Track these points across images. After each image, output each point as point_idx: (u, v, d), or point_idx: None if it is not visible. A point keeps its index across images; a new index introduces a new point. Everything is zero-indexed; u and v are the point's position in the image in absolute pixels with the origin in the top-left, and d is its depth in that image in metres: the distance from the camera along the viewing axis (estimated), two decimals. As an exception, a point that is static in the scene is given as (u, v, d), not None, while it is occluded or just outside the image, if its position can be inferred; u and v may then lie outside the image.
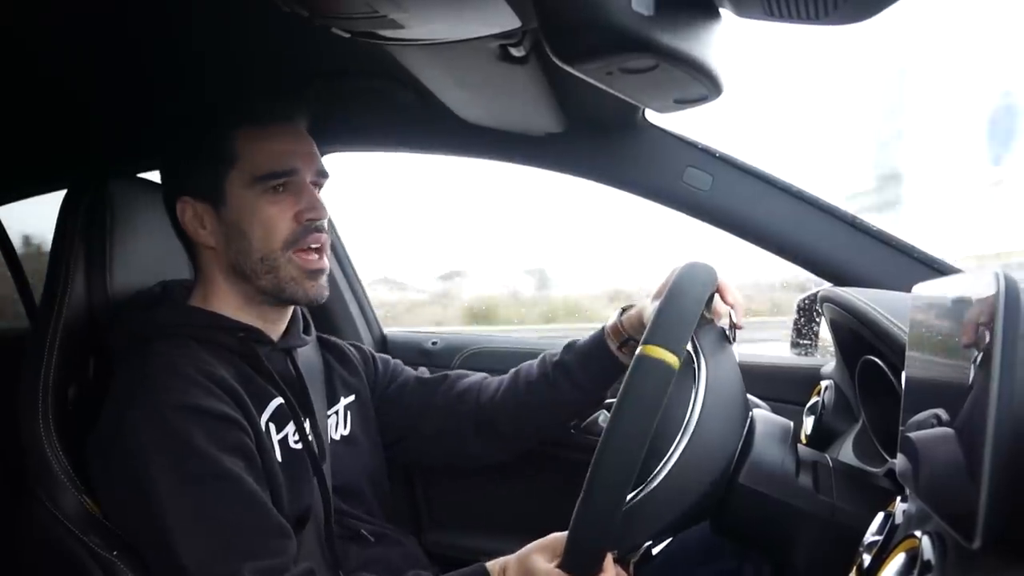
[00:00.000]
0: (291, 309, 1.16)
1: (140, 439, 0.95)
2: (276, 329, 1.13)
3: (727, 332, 1.01)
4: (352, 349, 1.31)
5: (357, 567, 1.08)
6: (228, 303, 1.10)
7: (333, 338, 1.31)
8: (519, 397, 1.24)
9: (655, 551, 0.85)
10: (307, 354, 1.19)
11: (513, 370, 1.28)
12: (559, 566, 0.85)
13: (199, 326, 1.07)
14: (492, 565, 0.95)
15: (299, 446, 1.07)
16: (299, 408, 1.08)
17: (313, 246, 1.07)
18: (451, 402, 1.27)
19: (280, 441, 1.05)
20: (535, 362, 1.26)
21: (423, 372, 1.34)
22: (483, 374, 1.31)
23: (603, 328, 1.20)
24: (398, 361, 1.35)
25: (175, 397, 0.97)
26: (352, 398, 1.25)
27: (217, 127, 1.06)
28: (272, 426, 1.05)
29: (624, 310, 1.18)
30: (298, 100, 1.16)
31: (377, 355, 1.33)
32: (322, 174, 1.10)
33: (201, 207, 1.07)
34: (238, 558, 0.91)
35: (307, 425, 1.09)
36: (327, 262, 1.09)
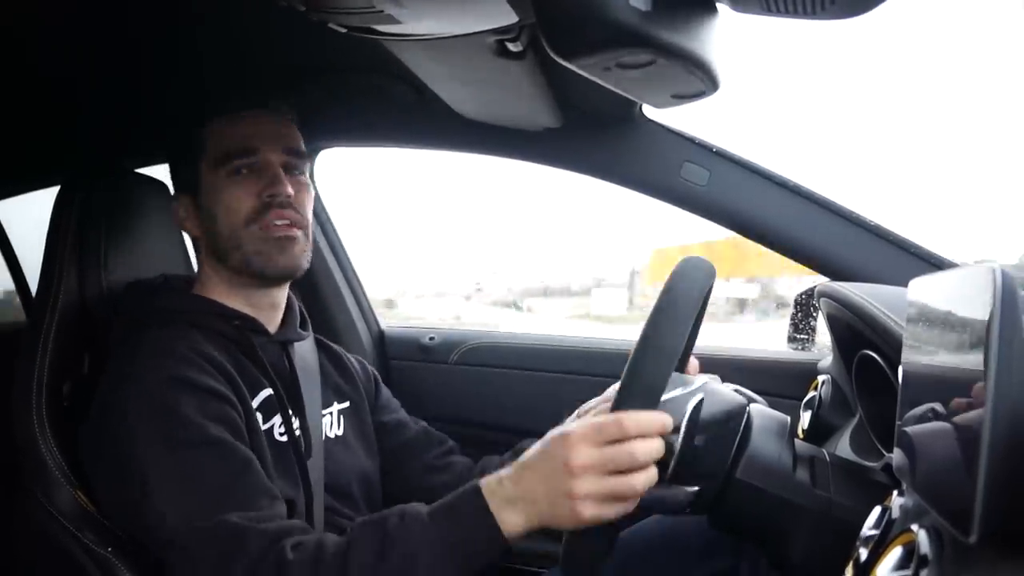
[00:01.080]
0: (282, 296, 1.16)
1: (128, 411, 0.95)
2: (271, 319, 1.14)
3: None
4: (355, 363, 1.32)
5: None
6: (219, 291, 1.12)
7: (335, 345, 1.32)
8: None
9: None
10: (304, 351, 1.19)
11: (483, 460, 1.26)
12: (614, 407, 0.79)
13: (197, 311, 1.08)
14: (487, 481, 0.84)
15: (284, 439, 1.08)
16: (288, 401, 1.09)
17: (277, 222, 1.06)
18: (439, 467, 1.26)
19: (266, 431, 1.05)
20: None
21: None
22: (479, 466, 1.25)
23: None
24: (399, 403, 1.36)
25: (166, 371, 0.97)
26: (347, 404, 1.25)
27: (192, 123, 1.10)
28: (259, 415, 1.05)
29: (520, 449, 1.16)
30: (273, 86, 1.16)
31: (382, 384, 1.34)
32: (294, 153, 1.10)
33: (186, 200, 1.12)
34: (225, 511, 0.89)
35: (295, 420, 1.09)
36: (296, 233, 1.08)
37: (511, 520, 0.82)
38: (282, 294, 1.16)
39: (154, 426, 0.94)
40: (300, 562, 0.84)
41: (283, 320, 1.17)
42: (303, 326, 1.21)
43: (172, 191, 1.18)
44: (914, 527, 0.60)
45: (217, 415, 0.97)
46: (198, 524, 0.89)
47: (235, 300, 1.11)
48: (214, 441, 0.95)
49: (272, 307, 1.15)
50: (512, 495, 0.82)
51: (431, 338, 1.75)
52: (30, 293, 1.78)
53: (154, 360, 0.99)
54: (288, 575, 0.84)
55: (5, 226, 1.83)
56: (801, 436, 1.25)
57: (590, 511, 0.78)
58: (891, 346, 0.94)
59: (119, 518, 1.00)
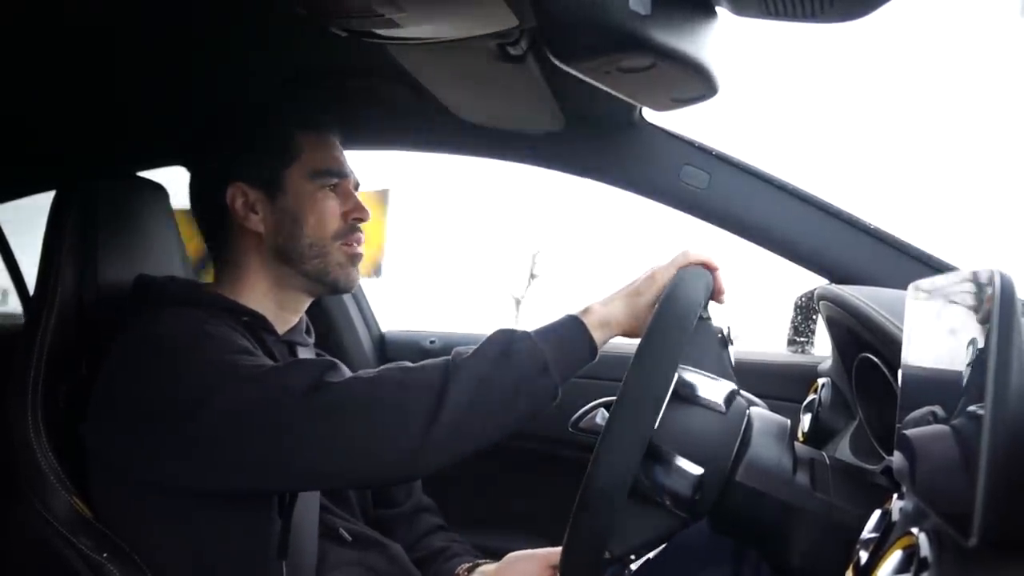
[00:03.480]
0: (306, 305, 1.19)
1: (159, 349, 0.97)
2: (285, 322, 1.16)
3: (726, 335, 1.02)
4: None
5: (334, 565, 1.08)
6: (253, 288, 1.13)
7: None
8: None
9: None
10: (308, 355, 1.20)
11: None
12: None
13: (208, 303, 1.09)
14: (586, 312, 1.00)
15: None
16: None
17: (357, 242, 1.16)
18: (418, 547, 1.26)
19: None
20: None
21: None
22: (448, 548, 1.26)
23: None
24: None
25: (192, 321, 1.00)
26: None
27: (280, 125, 1.14)
28: None
29: (477, 565, 1.18)
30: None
31: None
32: (358, 185, 1.19)
33: (255, 194, 1.13)
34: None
35: None
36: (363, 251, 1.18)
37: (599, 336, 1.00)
38: (308, 304, 1.20)
39: (191, 349, 0.96)
40: (427, 364, 0.94)
41: (293, 325, 1.18)
42: (307, 332, 1.23)
43: (216, 176, 1.16)
44: (914, 530, 0.60)
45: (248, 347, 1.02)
46: (307, 388, 0.91)
47: (269, 299, 1.14)
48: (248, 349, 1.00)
49: (297, 313, 1.18)
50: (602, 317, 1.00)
51: (432, 342, 1.75)
52: (28, 294, 1.78)
53: (172, 326, 1.00)
54: (420, 368, 0.93)
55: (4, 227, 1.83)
56: (801, 439, 1.24)
57: None
58: (890, 349, 0.94)
59: (151, 458, 0.97)
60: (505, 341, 0.94)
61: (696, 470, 0.84)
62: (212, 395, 0.91)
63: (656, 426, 0.81)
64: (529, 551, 1.12)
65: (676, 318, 0.85)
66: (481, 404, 0.91)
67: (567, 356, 0.96)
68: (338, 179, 1.15)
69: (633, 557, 0.92)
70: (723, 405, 0.90)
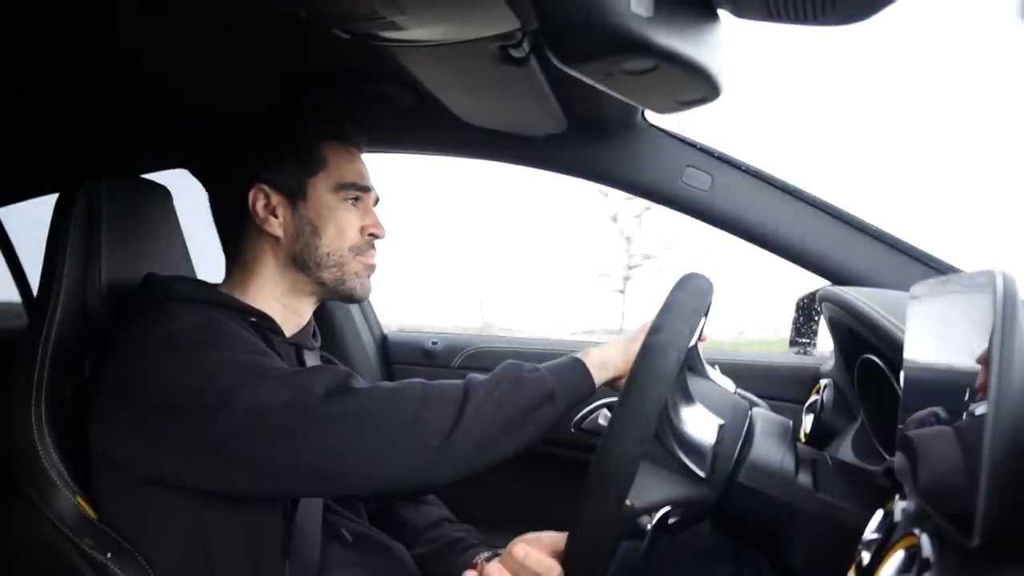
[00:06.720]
0: (312, 310, 1.21)
1: (173, 344, 0.97)
2: (292, 325, 1.16)
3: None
4: None
5: (335, 565, 1.08)
6: (264, 291, 1.14)
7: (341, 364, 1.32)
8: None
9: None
10: (314, 359, 1.20)
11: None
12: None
13: (216, 302, 1.09)
14: (586, 354, 1.06)
15: None
16: None
17: (374, 255, 1.19)
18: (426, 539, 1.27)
19: None
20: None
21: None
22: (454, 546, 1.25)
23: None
24: None
25: (199, 323, 1.01)
26: None
27: (309, 134, 1.15)
28: None
29: (496, 555, 1.16)
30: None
31: None
32: (378, 200, 1.21)
33: (277, 198, 1.14)
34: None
35: None
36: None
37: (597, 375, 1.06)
38: (314, 309, 1.22)
39: (209, 346, 0.96)
40: (447, 382, 0.99)
41: (300, 328, 1.19)
42: (314, 336, 1.23)
43: (241, 177, 1.16)
44: (916, 531, 0.60)
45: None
46: (334, 393, 0.94)
47: (279, 303, 1.15)
48: (266, 351, 1.01)
49: (303, 317, 1.19)
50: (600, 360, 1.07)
51: (434, 343, 1.75)
52: (32, 295, 1.78)
53: (189, 314, 1.01)
54: (440, 385, 0.98)
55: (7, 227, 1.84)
56: (803, 440, 1.25)
57: None
58: (893, 350, 0.94)
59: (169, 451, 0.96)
60: (517, 371, 1.01)
61: (718, 419, 0.89)
62: (237, 394, 0.91)
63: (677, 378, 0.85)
64: (534, 535, 1.09)
65: (693, 288, 0.87)
66: (495, 423, 0.96)
67: (570, 388, 1.02)
68: (361, 193, 1.17)
69: (647, 526, 0.89)
70: (732, 385, 0.99)
